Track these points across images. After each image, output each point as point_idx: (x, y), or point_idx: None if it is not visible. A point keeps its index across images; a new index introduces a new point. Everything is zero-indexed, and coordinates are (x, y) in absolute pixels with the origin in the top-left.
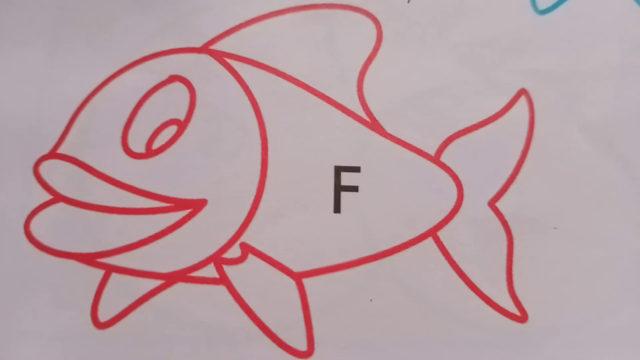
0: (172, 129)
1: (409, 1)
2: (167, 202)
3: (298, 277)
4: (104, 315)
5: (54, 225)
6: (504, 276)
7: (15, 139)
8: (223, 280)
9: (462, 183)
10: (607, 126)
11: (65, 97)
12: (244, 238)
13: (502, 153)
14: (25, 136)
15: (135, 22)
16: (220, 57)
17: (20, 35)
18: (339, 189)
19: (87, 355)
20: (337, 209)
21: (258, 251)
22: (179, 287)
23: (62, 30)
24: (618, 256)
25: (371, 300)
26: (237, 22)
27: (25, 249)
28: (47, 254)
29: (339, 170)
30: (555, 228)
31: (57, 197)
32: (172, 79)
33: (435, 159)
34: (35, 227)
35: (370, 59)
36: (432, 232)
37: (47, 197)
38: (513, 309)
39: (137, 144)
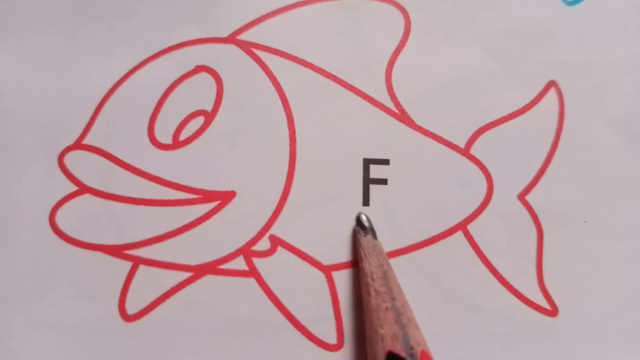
0: (199, 120)
1: None
2: (195, 193)
3: (327, 270)
4: (131, 308)
5: (80, 217)
6: (534, 270)
7: (40, 130)
8: (252, 272)
9: (492, 176)
10: (636, 118)
11: (89, 87)
12: (273, 230)
13: (531, 146)
14: (50, 127)
15: (157, 12)
16: (247, 47)
17: (42, 26)
18: (367, 181)
19: (115, 347)
20: (366, 201)
21: (287, 244)
22: (208, 280)
23: (84, 21)
24: None
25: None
26: (262, 13)
27: (51, 241)
28: (72, 246)
29: (367, 162)
30: (585, 222)
31: (83, 189)
32: (199, 69)
33: (465, 152)
34: (60, 218)
35: (398, 50)
36: (462, 226)
37: (73, 188)
38: (543, 303)
39: (164, 135)
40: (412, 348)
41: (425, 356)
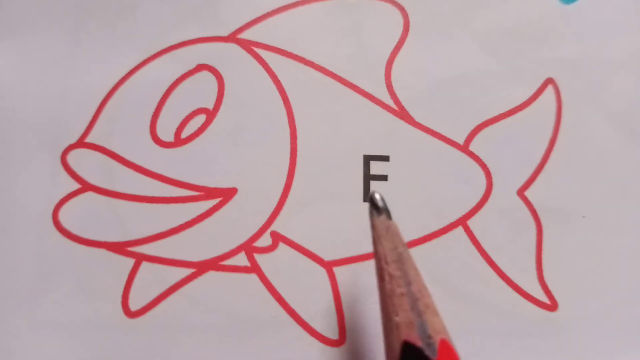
0: (200, 118)
1: None
2: (197, 190)
3: (329, 266)
4: (134, 304)
5: (83, 214)
6: (533, 265)
7: (43, 129)
8: (254, 268)
9: (491, 172)
10: (634, 114)
11: (91, 86)
12: (274, 227)
13: (530, 142)
14: (53, 125)
15: (159, 10)
16: (248, 46)
17: (44, 25)
18: (368, 178)
19: (118, 343)
20: (366, 198)
21: (289, 240)
22: (210, 276)
23: (85, 19)
24: None
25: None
26: (263, 11)
27: (54, 238)
28: (75, 243)
29: (368, 159)
30: (584, 217)
31: (86, 186)
32: (200, 68)
33: (464, 148)
34: (63, 216)
35: (397, 48)
36: (462, 222)
37: (76, 186)
38: (543, 298)
39: (166, 132)
40: (429, 337)
41: (445, 345)
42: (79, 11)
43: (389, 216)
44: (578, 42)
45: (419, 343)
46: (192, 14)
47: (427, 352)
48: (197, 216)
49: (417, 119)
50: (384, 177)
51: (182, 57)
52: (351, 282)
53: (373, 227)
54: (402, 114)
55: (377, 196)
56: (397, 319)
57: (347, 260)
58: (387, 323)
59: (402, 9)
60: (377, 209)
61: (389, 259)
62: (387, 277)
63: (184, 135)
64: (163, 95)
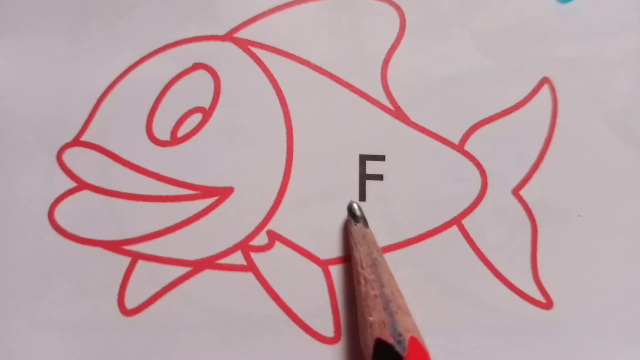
0: (196, 117)
1: None
2: (194, 189)
3: (324, 265)
4: (130, 303)
5: (79, 213)
6: (528, 264)
7: (39, 127)
8: (250, 267)
9: (486, 171)
10: (629, 114)
11: (88, 84)
12: (270, 225)
13: (525, 141)
14: (49, 124)
15: (156, 9)
16: (244, 45)
17: (41, 23)
18: (364, 177)
19: (114, 341)
20: (362, 197)
21: (285, 239)
22: (206, 274)
23: (83, 18)
24: None
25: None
26: (259, 10)
27: (50, 237)
28: (72, 242)
29: (363, 158)
30: (579, 216)
31: (82, 185)
32: (196, 66)
33: (460, 148)
34: (59, 215)
35: (393, 48)
36: (457, 221)
37: (72, 184)
38: (538, 296)
39: (162, 131)
40: (400, 335)
41: (414, 342)
42: (77, 10)
43: (365, 224)
44: (574, 42)
45: (390, 340)
46: (189, 13)
47: (398, 348)
48: (193, 215)
49: (413, 119)
50: (379, 177)
51: (178, 55)
52: (346, 281)
53: (350, 234)
54: (398, 113)
55: (354, 206)
56: (371, 318)
57: (342, 259)
58: (362, 322)
59: (398, 8)
60: (354, 218)
61: (364, 263)
62: (362, 281)
63: (180, 134)
64: (159, 94)
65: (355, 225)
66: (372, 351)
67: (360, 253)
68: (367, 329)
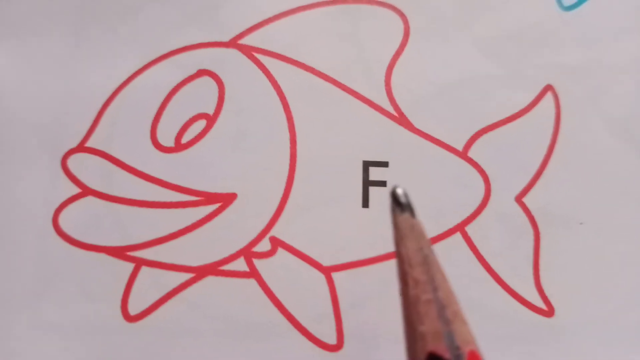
0: (201, 123)
1: None
2: (197, 195)
3: (327, 271)
4: (134, 308)
5: (83, 219)
6: (531, 271)
7: (43, 133)
8: (253, 273)
9: (490, 178)
10: (632, 121)
11: (92, 90)
12: (273, 232)
13: (528, 148)
14: (53, 130)
15: (160, 15)
16: (249, 51)
17: (45, 28)
18: (367, 183)
19: (117, 347)
20: (365, 203)
21: (288, 245)
22: (209, 281)
23: (87, 23)
24: None
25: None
26: (263, 17)
27: (54, 242)
28: (76, 247)
29: (367, 165)
30: (581, 223)
31: (86, 191)
32: (201, 73)
33: (463, 154)
34: (63, 220)
35: (397, 54)
36: (460, 227)
37: (76, 190)
38: (540, 303)
39: (166, 137)
40: (458, 348)
41: (473, 356)
42: (80, 14)
43: (412, 214)
44: (578, 49)
45: (447, 355)
46: (193, 18)
47: None
48: (197, 221)
49: (417, 125)
50: (382, 183)
51: (182, 62)
52: (350, 288)
53: (395, 226)
54: (402, 120)
55: (399, 191)
56: (422, 328)
57: (345, 266)
58: (410, 332)
59: (402, 14)
60: (399, 206)
61: (414, 261)
62: (411, 282)
63: (184, 140)
64: (164, 100)
65: (402, 214)
66: None
67: (408, 249)
68: (417, 341)
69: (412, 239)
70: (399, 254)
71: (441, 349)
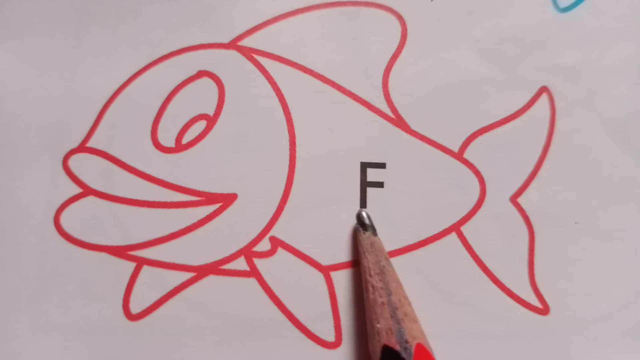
0: (201, 124)
1: None
2: (198, 196)
3: (326, 270)
4: (135, 308)
5: (84, 219)
6: (526, 270)
7: (45, 133)
8: (253, 273)
9: (485, 179)
10: (628, 122)
11: (93, 90)
12: (273, 232)
13: (523, 149)
14: (54, 130)
15: (161, 16)
16: (248, 53)
17: (46, 29)
18: (364, 184)
19: (118, 346)
20: (363, 204)
21: (287, 245)
22: (210, 280)
23: (87, 24)
24: (639, 250)
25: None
26: (263, 19)
27: (55, 242)
28: (77, 247)
29: (365, 166)
30: (576, 223)
31: (87, 191)
32: (201, 74)
33: (459, 156)
34: (65, 220)
35: (395, 56)
36: (456, 227)
37: (77, 190)
38: (535, 302)
39: (167, 138)
40: (407, 342)
41: (421, 349)
42: (81, 15)
43: (374, 233)
44: (574, 50)
45: (397, 347)
46: (193, 20)
47: (404, 355)
48: (198, 221)
49: (413, 127)
50: (380, 184)
51: (183, 63)
52: (348, 287)
53: (359, 242)
54: (399, 121)
55: (364, 214)
56: (378, 325)
57: (344, 265)
58: (370, 329)
59: (400, 17)
60: (363, 226)
61: (372, 271)
62: (370, 288)
63: (184, 140)
64: (164, 101)
65: (364, 233)
66: (379, 358)
67: (369, 261)
68: (374, 336)
69: (372, 253)
70: (361, 265)
71: (392, 342)
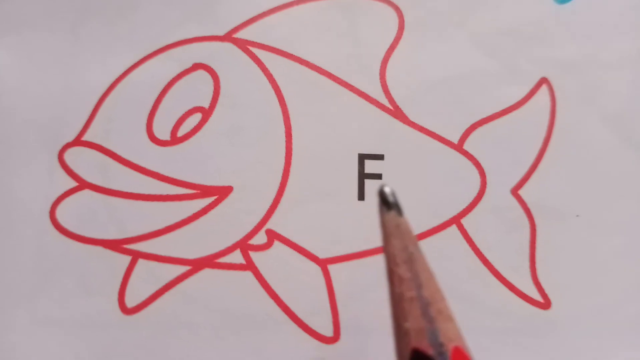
0: (196, 117)
1: None
2: (193, 189)
3: (323, 264)
4: (131, 301)
5: (80, 212)
6: (527, 263)
7: (40, 127)
8: (249, 266)
9: (485, 171)
10: (627, 115)
11: (89, 84)
12: (269, 225)
13: (524, 141)
14: (50, 124)
15: (157, 10)
16: (244, 45)
17: (43, 23)
18: (362, 176)
19: (114, 339)
20: (361, 196)
21: (284, 237)
22: (206, 273)
23: (84, 18)
24: (639, 243)
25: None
26: (259, 11)
27: (51, 236)
28: (73, 241)
29: (362, 158)
30: (577, 216)
31: (83, 184)
32: (196, 67)
33: (459, 147)
34: (60, 214)
35: (392, 48)
36: (456, 220)
37: (73, 184)
38: (536, 296)
39: (162, 131)
40: (441, 345)
41: (458, 353)
42: (78, 9)
43: (399, 212)
44: (573, 42)
45: (430, 351)
46: (189, 13)
47: None
48: (193, 214)
49: (412, 118)
50: (378, 176)
51: (178, 56)
52: (346, 280)
53: (382, 224)
54: (397, 113)
55: (386, 190)
56: (406, 325)
57: (341, 258)
58: (396, 329)
59: (397, 8)
60: (387, 205)
61: (399, 259)
62: (396, 280)
63: (180, 133)
64: (159, 94)
65: (388, 213)
66: None
67: (394, 247)
68: (402, 338)
69: (397, 237)
70: (385, 252)
71: (424, 345)
